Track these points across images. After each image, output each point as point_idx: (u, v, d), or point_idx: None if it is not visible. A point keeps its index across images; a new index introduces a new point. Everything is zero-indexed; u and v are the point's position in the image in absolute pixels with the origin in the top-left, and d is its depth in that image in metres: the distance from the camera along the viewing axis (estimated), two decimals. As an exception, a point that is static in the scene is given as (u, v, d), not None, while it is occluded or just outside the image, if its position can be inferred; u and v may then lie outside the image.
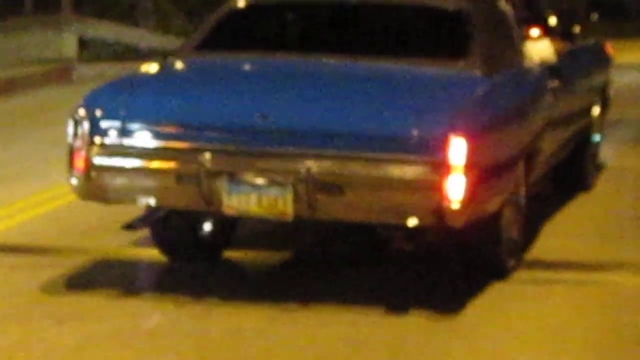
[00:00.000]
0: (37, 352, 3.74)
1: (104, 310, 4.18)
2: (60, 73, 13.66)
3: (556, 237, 5.26)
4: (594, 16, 11.94)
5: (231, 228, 4.79)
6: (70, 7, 15.84)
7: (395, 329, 3.98)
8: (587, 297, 4.40)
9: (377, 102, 4.19)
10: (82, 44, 15.62)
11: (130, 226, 4.47)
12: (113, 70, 11.75)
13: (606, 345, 3.85)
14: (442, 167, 3.83)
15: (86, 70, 13.77)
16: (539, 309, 4.21)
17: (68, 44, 15.22)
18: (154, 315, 4.15)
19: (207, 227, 4.65)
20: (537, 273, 4.65)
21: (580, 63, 6.01)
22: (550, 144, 5.04)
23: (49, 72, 13.48)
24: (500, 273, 4.41)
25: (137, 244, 5.00)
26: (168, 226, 4.55)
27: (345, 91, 4.35)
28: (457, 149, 3.83)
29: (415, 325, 3.99)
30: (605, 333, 3.96)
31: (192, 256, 4.70)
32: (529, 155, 4.60)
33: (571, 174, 6.05)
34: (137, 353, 3.76)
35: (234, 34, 4.92)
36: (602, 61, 6.84)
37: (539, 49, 5.04)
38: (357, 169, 3.96)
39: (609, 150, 7.23)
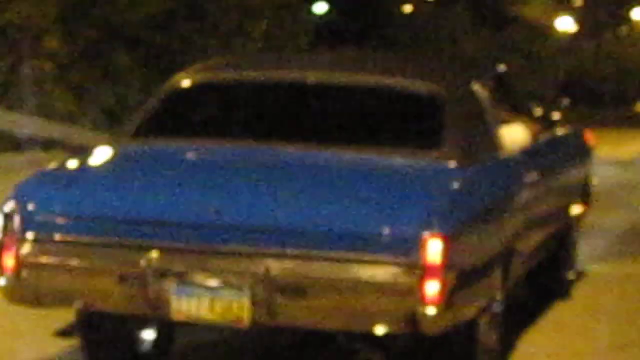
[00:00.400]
0: None
1: None
2: None
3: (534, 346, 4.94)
4: (565, 101, 10.03)
5: (170, 338, 4.39)
6: None
7: None
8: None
9: (343, 197, 3.75)
10: None
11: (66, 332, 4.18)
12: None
13: None
14: (416, 269, 3.48)
15: None
16: None
17: None
18: None
19: (146, 335, 4.27)
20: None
21: (559, 154, 5.49)
22: (527, 245, 4.63)
23: None
24: None
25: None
26: (101, 336, 4.16)
27: (306, 184, 3.88)
28: (433, 249, 3.49)
29: None
30: None
31: None
32: (507, 256, 4.21)
33: (548, 278, 5.63)
34: None
35: (176, 117, 4.50)
36: (583, 152, 6.20)
37: (515, 136, 4.55)
38: (321, 269, 3.57)
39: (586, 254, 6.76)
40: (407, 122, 4.28)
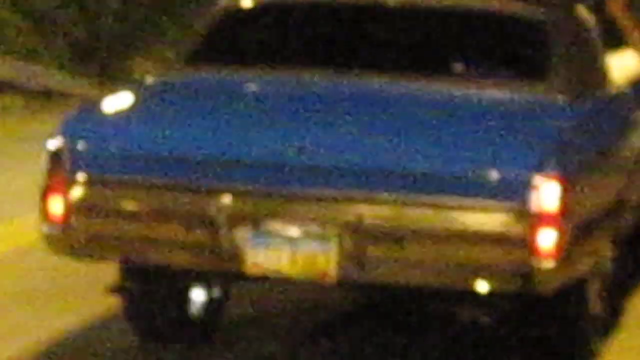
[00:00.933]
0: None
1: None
2: None
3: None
4: None
5: (221, 303, 4.14)
6: None
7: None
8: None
9: (444, 135, 3.43)
10: None
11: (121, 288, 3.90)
12: None
13: None
14: (529, 217, 3.21)
15: None
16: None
17: None
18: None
19: (198, 298, 3.98)
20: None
21: None
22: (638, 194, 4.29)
23: None
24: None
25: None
26: (151, 297, 3.87)
27: (402, 120, 3.57)
28: (549, 193, 3.21)
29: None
30: None
31: (174, 337, 4.00)
32: (620, 207, 3.89)
33: None
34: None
35: (237, 42, 4.12)
36: None
37: (626, 67, 4.33)
38: (420, 217, 3.30)
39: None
40: (510, 51, 3.97)
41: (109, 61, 16.85)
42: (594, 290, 3.77)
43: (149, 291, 3.90)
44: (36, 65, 14.85)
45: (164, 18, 18.37)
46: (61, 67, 15.21)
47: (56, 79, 14.98)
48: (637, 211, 4.30)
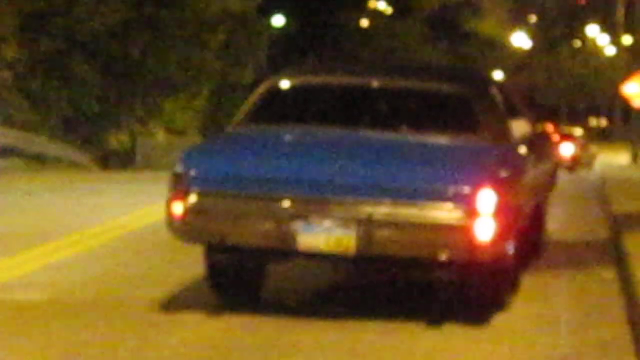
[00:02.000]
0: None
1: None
2: None
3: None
4: None
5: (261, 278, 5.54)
6: None
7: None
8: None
9: (420, 165, 5.15)
10: None
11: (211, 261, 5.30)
12: None
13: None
14: (474, 213, 4.78)
15: None
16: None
17: None
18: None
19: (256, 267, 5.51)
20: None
21: (543, 146, 7.05)
22: (528, 205, 5.92)
23: None
24: (498, 306, 5.28)
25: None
26: (228, 270, 5.34)
27: (394, 157, 5.24)
28: (486, 198, 4.82)
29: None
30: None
31: (241, 293, 5.40)
32: (519, 210, 5.45)
33: (528, 243, 6.49)
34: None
35: (278, 108, 5.79)
36: (551, 146, 8.16)
37: (520, 128, 6.23)
38: (408, 214, 4.86)
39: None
40: (457, 115, 5.69)
41: (91, 133, 19.66)
42: (507, 265, 5.32)
43: (229, 264, 5.26)
44: (33, 135, 16.95)
45: (137, 99, 20.78)
46: (53, 136, 17.62)
47: (49, 146, 17.19)
48: (527, 215, 6.01)
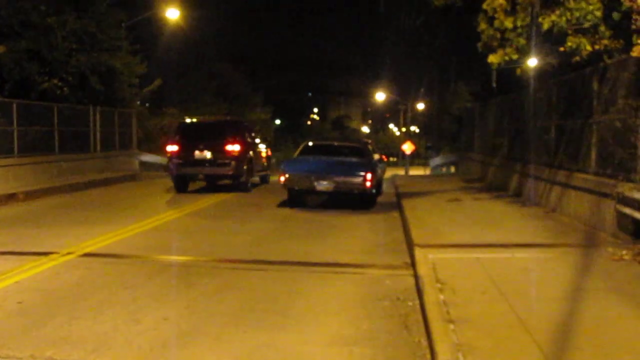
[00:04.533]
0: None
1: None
2: (131, 176, 26.86)
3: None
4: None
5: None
6: (135, 147, 30.47)
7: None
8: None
9: (348, 169, 17.03)
10: (141, 164, 30.33)
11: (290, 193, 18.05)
12: (155, 176, 27.92)
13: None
14: (365, 179, 16.62)
15: (143, 176, 27.74)
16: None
17: (134, 164, 29.85)
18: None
19: (303, 194, 18.16)
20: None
21: (380, 160, 21.17)
22: (380, 177, 20.01)
23: (126, 176, 26.34)
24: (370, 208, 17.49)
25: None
26: (295, 194, 17.79)
27: (342, 163, 17.38)
28: (368, 176, 16.66)
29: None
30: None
31: (297, 204, 17.79)
32: (380, 180, 20.40)
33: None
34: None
35: (307, 151, 18.70)
36: (384, 161, 23.04)
37: (375, 155, 19.90)
38: (346, 180, 16.67)
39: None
40: (358, 153, 18.41)
41: None
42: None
43: (297, 193, 17.51)
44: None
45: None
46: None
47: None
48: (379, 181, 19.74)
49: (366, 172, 16.18)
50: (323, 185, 16.26)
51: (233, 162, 20.13)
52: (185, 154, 20.04)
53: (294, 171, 16.62)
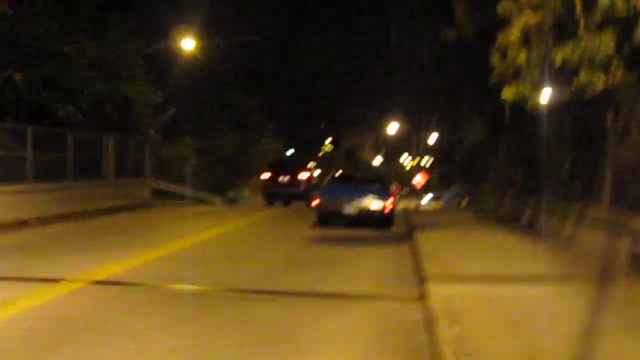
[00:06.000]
0: None
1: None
2: (144, 204, 27.03)
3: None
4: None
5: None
6: (149, 174, 30.05)
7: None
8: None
9: (369, 192, 19.82)
10: (154, 191, 30.35)
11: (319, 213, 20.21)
12: (167, 204, 28.44)
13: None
14: (386, 203, 19.59)
15: (156, 204, 27.59)
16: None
17: (147, 191, 29.74)
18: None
19: (331, 217, 20.02)
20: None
21: (398, 188, 22.98)
22: (395, 202, 20.94)
23: (139, 204, 26.52)
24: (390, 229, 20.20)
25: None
26: (325, 213, 19.83)
27: (366, 190, 19.98)
28: (389, 201, 19.63)
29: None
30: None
31: (325, 225, 19.61)
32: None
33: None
34: None
35: (336, 179, 22.10)
36: (398, 188, 24.18)
37: (393, 184, 22.11)
38: (366, 201, 19.62)
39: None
40: (379, 182, 21.26)
41: (219, 188, 37.29)
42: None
43: (326, 216, 19.54)
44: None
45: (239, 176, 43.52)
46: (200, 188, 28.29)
47: (200, 193, 32.93)
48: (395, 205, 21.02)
49: (386, 199, 19.67)
50: (349, 210, 19.50)
51: (303, 185, 31.10)
52: (273, 179, 31.37)
53: (326, 197, 19.95)
